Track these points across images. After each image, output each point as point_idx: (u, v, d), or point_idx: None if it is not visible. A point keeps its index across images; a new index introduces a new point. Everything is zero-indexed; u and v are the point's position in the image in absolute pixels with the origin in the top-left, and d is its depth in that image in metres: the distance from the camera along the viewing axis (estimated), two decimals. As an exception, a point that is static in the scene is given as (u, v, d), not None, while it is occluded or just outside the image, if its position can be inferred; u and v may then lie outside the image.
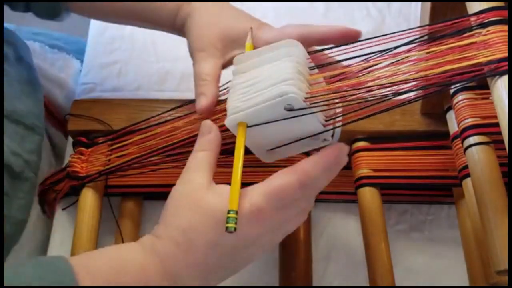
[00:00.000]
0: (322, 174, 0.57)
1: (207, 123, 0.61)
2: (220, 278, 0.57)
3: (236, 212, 0.52)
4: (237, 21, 0.68)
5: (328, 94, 0.56)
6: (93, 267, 0.54)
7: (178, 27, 0.71)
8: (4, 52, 0.73)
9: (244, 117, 0.57)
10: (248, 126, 0.58)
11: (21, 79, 0.76)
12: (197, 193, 0.55)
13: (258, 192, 0.55)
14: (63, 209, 0.78)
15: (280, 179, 0.55)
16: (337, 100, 0.58)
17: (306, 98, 0.56)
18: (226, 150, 0.61)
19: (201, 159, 0.58)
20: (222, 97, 0.65)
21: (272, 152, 0.62)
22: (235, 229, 0.52)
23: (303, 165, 0.56)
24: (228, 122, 0.58)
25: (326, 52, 0.63)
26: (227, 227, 0.52)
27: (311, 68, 0.59)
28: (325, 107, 0.58)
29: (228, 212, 0.52)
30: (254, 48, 0.64)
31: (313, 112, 0.56)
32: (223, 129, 0.60)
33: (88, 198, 0.75)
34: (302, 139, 0.59)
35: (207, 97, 0.62)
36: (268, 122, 0.57)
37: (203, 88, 0.63)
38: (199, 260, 0.55)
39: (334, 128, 0.59)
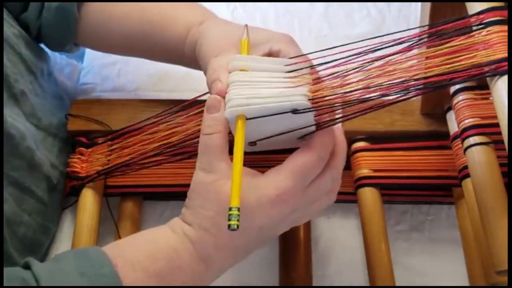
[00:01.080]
0: (331, 140, 0.58)
1: (217, 98, 0.58)
2: (248, 253, 0.60)
3: (238, 209, 0.52)
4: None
5: (329, 96, 0.57)
6: (128, 255, 0.55)
7: (187, 54, 0.71)
8: (40, 69, 0.77)
9: (246, 111, 0.57)
10: (247, 119, 0.57)
11: (53, 94, 0.80)
12: (219, 183, 0.56)
13: (280, 174, 0.56)
14: (63, 209, 0.78)
15: (298, 159, 0.57)
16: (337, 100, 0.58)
17: (310, 99, 0.56)
18: None
19: (216, 143, 0.57)
20: None
21: (256, 145, 0.62)
22: (237, 226, 0.52)
23: (312, 141, 0.58)
24: (228, 113, 0.57)
25: (326, 52, 0.63)
26: (229, 225, 0.52)
27: (311, 67, 0.59)
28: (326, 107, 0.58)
29: (230, 209, 0.52)
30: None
31: (315, 110, 0.57)
32: None
33: (88, 198, 0.75)
34: (291, 131, 0.59)
35: (222, 81, 0.59)
36: (267, 116, 0.57)
37: (215, 74, 0.61)
38: (228, 243, 0.57)
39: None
